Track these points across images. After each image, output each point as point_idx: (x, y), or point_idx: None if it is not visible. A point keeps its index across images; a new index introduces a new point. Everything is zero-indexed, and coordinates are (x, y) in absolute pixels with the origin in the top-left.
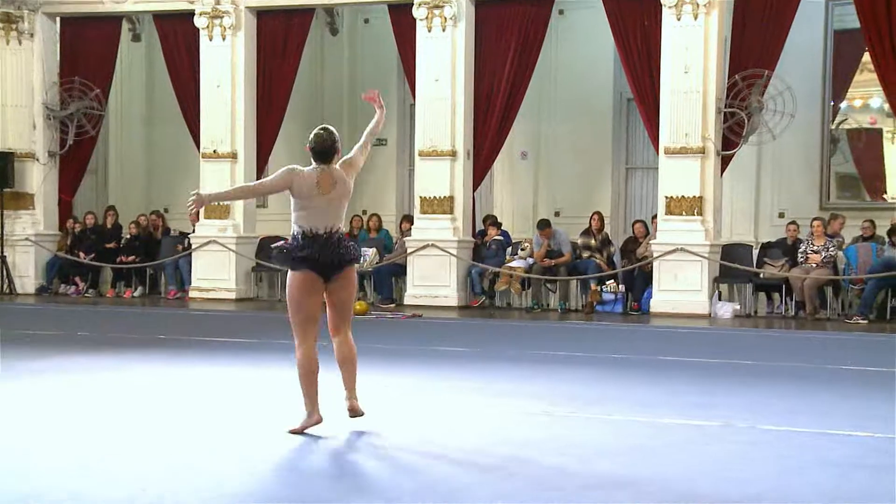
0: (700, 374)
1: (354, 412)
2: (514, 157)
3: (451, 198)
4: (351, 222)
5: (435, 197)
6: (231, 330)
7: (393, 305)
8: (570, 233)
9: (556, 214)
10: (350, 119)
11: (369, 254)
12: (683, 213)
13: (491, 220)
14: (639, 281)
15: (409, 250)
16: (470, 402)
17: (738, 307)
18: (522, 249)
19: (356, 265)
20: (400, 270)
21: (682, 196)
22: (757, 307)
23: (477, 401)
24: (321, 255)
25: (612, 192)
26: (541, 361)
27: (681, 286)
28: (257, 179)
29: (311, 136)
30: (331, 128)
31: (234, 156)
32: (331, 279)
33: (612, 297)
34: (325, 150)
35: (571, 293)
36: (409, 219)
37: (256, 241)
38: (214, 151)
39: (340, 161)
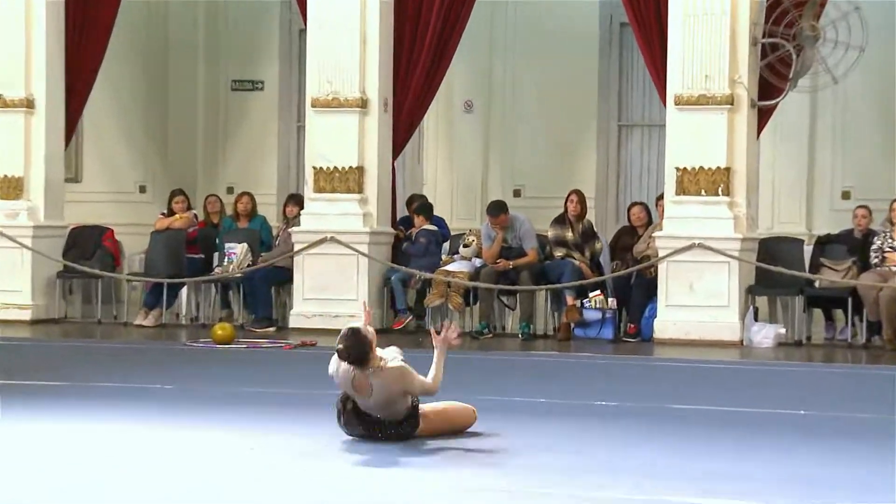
0: (727, 432)
1: None
2: (454, 109)
3: (360, 169)
4: (205, 206)
5: (336, 168)
6: (22, 367)
7: (273, 329)
8: (536, 221)
9: (516, 194)
10: (209, 56)
11: (237, 252)
12: (703, 192)
13: (419, 203)
14: (637, 292)
15: (296, 247)
16: (394, 477)
17: (784, 331)
18: (466, 246)
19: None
20: (283, 277)
21: (701, 167)
22: (811, 331)
23: (406, 475)
24: (363, 433)
25: (597, 163)
26: (494, 412)
27: (699, 300)
28: (66, 138)
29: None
30: (360, 330)
31: (29, 104)
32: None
33: (597, 315)
34: (352, 360)
35: (538, 310)
36: (296, 200)
37: (66, 233)
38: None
39: (394, 369)
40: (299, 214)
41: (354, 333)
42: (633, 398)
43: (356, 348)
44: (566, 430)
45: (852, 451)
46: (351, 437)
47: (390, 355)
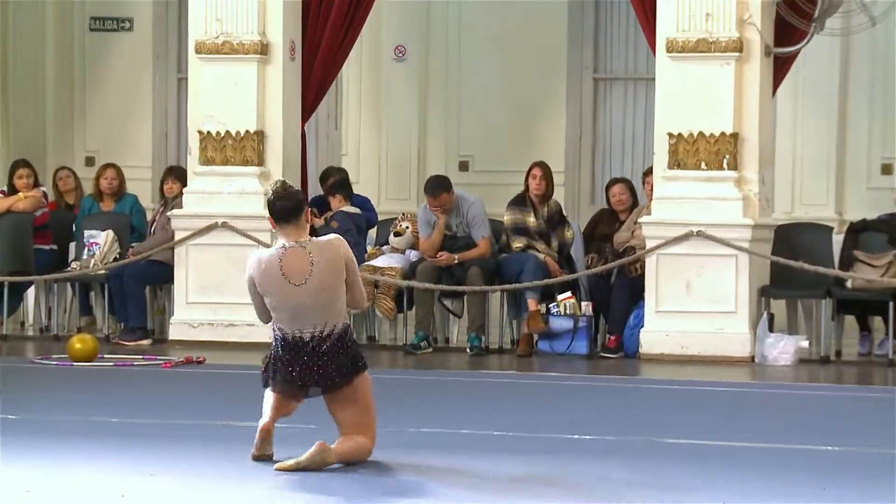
0: (733, 474)
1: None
2: (382, 58)
3: (260, 135)
4: (56, 182)
5: (229, 133)
6: None
7: (147, 342)
8: (489, 203)
9: (463, 168)
10: None
11: (100, 242)
12: (703, 165)
13: (336, 179)
14: (619, 295)
15: (177, 235)
16: None
17: (807, 344)
18: (397, 235)
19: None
20: (161, 274)
21: (701, 134)
22: (841, 344)
23: None
24: (301, 374)
25: (567, 128)
26: (433, 448)
27: (698, 303)
28: None
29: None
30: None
31: None
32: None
33: (568, 324)
34: (286, 213)
35: (492, 318)
36: (177, 175)
37: None
38: None
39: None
40: (181, 193)
41: (284, 185)
42: (613, 430)
43: (290, 199)
44: (526, 470)
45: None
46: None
47: None
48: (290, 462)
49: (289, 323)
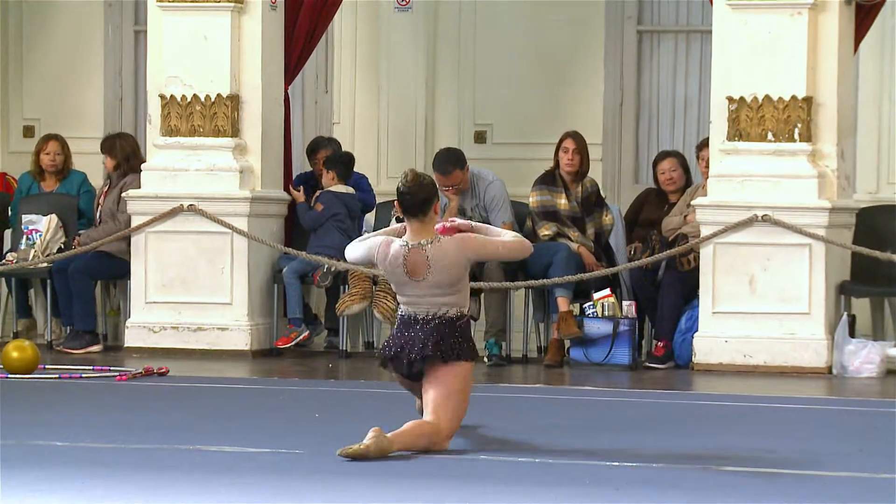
0: None
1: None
2: (382, 7)
3: (235, 99)
4: None
5: (197, 98)
6: None
7: (98, 349)
8: (511, 182)
9: (480, 139)
10: None
11: (41, 229)
12: (770, 135)
13: (328, 151)
14: (669, 293)
15: (134, 220)
16: None
17: (895, 351)
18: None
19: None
20: (115, 268)
21: (767, 98)
22: None
23: None
24: (404, 347)
25: (606, 92)
26: (448, 473)
27: (764, 303)
28: None
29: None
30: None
31: None
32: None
33: (606, 328)
34: (417, 204)
35: (515, 320)
36: (127, 145)
37: None
38: None
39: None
40: (138, 171)
41: (417, 176)
42: (661, 457)
43: (419, 192)
44: None
45: None
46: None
47: None
48: (353, 447)
49: (406, 304)
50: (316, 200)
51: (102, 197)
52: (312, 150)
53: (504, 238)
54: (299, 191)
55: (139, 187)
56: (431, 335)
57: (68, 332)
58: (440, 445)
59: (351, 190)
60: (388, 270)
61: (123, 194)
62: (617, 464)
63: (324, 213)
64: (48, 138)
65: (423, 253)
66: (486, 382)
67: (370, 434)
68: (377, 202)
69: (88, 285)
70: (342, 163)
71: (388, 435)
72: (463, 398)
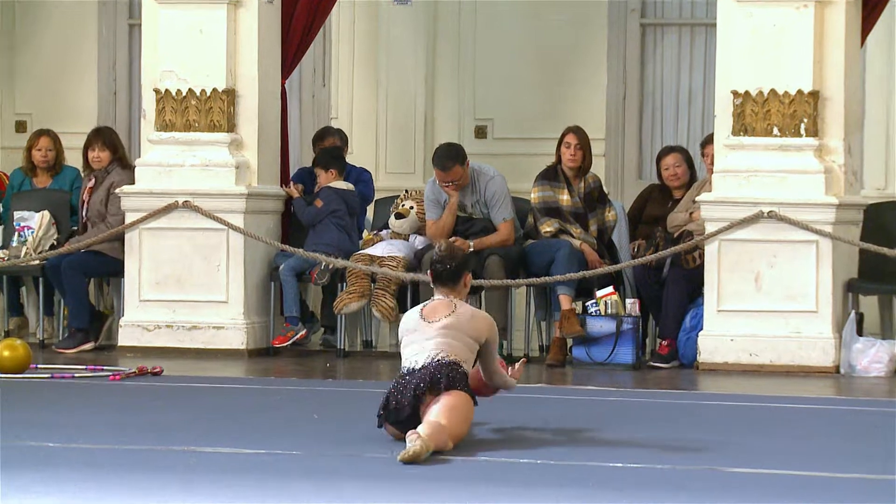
0: None
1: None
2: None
3: (231, 94)
4: None
5: (192, 92)
6: None
7: (90, 346)
8: (512, 178)
9: (480, 134)
10: None
11: (34, 226)
12: (776, 129)
13: (326, 143)
14: (673, 290)
15: (127, 217)
16: None
17: None
18: (400, 216)
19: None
20: (108, 266)
21: (773, 92)
22: None
23: None
24: (396, 394)
25: (609, 86)
26: (449, 475)
27: (770, 301)
28: None
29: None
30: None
31: None
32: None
33: (609, 326)
34: (446, 276)
35: (516, 318)
36: (105, 139)
37: None
38: None
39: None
40: (120, 161)
41: (451, 248)
42: (666, 458)
43: (450, 261)
44: None
45: None
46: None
47: None
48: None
49: (408, 357)
50: (316, 196)
51: (87, 194)
52: (318, 138)
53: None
54: (297, 186)
55: (130, 183)
56: (429, 374)
57: (61, 330)
58: (447, 445)
59: (350, 186)
60: (403, 329)
61: (117, 191)
62: (621, 465)
63: (323, 209)
64: (40, 133)
65: (450, 304)
66: None
67: (412, 437)
68: (375, 198)
69: (81, 282)
70: (338, 158)
71: (423, 435)
72: (464, 416)
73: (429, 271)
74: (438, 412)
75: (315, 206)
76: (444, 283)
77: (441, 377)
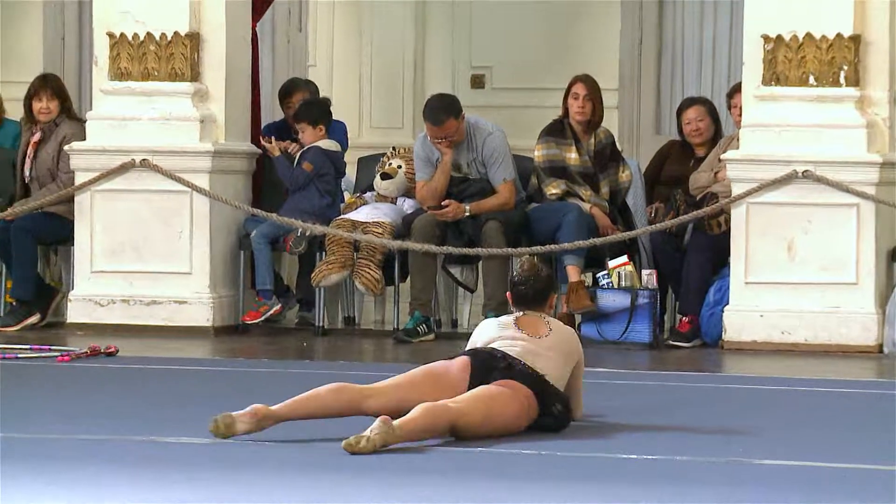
0: None
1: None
2: None
3: (195, 38)
4: None
5: (151, 37)
6: None
7: (36, 319)
8: (513, 133)
9: (477, 84)
10: None
11: None
12: (812, 78)
13: (295, 99)
14: (695, 260)
15: (77, 178)
16: None
17: None
18: (386, 177)
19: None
20: (57, 231)
21: (809, 36)
22: None
23: None
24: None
25: (622, 28)
26: (436, 467)
27: (805, 272)
28: None
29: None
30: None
31: None
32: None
33: (623, 300)
34: (531, 298)
35: None
36: (54, 88)
37: None
38: None
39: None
40: (65, 114)
41: (534, 267)
42: (685, 449)
43: (535, 283)
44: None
45: None
46: None
47: None
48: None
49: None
50: (302, 158)
51: (32, 149)
52: (286, 92)
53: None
54: (279, 143)
55: (82, 138)
56: (521, 375)
57: (3, 304)
58: (438, 430)
59: (338, 146)
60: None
61: (66, 148)
62: (635, 456)
63: (312, 172)
64: None
65: (540, 319)
66: None
67: (376, 425)
68: (359, 157)
69: (30, 247)
70: (327, 112)
71: (396, 423)
72: (501, 412)
73: (508, 293)
74: (469, 397)
75: (303, 169)
76: (527, 306)
77: (535, 384)
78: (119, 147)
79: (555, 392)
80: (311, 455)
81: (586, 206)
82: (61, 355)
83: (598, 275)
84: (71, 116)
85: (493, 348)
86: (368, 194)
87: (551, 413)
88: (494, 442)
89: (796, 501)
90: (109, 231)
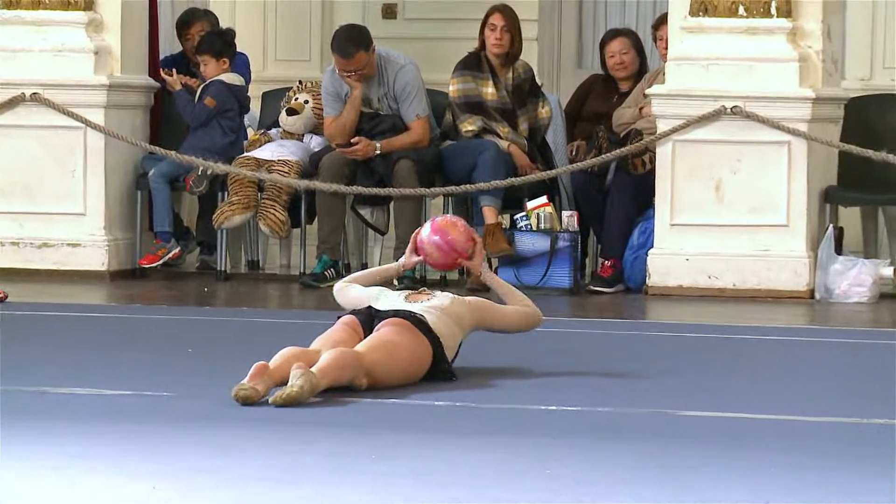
0: (776, 462)
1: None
2: None
3: None
4: None
5: None
6: None
7: None
8: (426, 67)
9: (389, 14)
10: None
11: None
12: (742, 9)
13: (193, 31)
14: (618, 201)
15: None
16: None
17: (892, 271)
18: (292, 112)
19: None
20: None
21: None
22: None
23: None
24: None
25: None
26: (344, 425)
27: (733, 213)
28: None
29: None
30: None
31: None
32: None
33: (542, 243)
34: None
35: None
36: None
37: None
38: None
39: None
40: None
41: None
42: (610, 400)
43: None
44: (484, 456)
45: None
46: None
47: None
48: (285, 393)
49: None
50: (204, 93)
51: None
52: (184, 23)
53: (515, 308)
54: (180, 77)
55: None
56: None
57: None
58: (359, 381)
59: (242, 80)
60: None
61: None
62: (554, 407)
63: (215, 108)
64: None
65: (428, 293)
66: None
67: (296, 373)
68: (264, 91)
69: None
70: (231, 44)
71: (314, 370)
72: (406, 357)
73: None
74: (371, 342)
75: (205, 105)
76: None
77: (417, 320)
78: (8, 80)
79: (437, 339)
80: (218, 409)
81: (504, 144)
82: None
83: (515, 216)
84: None
85: (370, 306)
86: (273, 131)
87: (441, 370)
88: (408, 391)
89: (720, 453)
90: None
